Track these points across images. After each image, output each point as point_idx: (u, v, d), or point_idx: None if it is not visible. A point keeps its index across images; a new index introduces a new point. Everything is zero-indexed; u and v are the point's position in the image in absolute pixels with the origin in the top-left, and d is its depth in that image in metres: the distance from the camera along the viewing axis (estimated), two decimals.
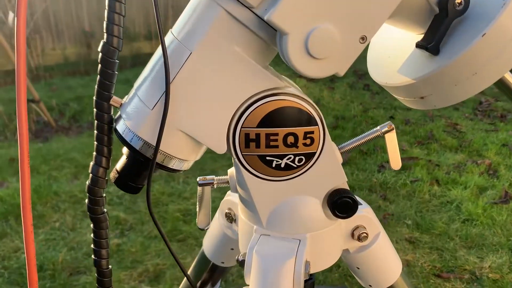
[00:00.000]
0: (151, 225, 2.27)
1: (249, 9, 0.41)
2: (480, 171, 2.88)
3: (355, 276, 0.63)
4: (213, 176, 0.57)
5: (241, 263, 0.49)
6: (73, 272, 1.93)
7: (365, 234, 0.55)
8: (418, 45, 0.46)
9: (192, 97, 0.45)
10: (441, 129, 3.58)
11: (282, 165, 0.48)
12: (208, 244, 0.70)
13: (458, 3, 0.44)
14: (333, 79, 5.18)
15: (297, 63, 0.41)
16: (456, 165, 2.98)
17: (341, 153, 0.52)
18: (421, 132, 3.56)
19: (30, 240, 0.46)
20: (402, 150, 3.19)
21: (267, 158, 0.48)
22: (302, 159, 0.48)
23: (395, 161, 0.53)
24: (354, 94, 4.60)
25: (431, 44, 0.45)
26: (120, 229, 2.23)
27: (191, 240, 2.14)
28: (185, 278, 0.75)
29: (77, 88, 4.58)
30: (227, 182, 0.55)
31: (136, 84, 0.49)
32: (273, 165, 0.48)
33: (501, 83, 0.50)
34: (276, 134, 0.46)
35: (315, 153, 0.48)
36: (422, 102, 0.48)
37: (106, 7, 0.42)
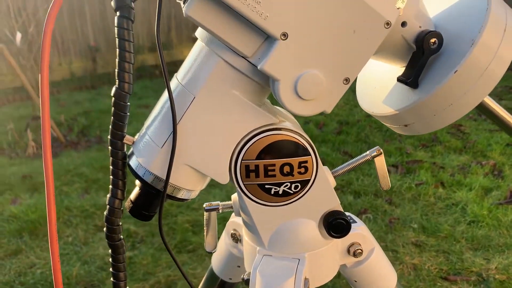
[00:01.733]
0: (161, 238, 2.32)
1: (244, 58, 0.46)
2: (485, 172, 2.89)
3: None
4: (218, 202, 0.61)
5: (246, 282, 0.54)
6: (87, 286, 1.97)
7: (360, 250, 0.60)
8: (399, 79, 0.51)
9: (196, 135, 0.50)
10: (445, 131, 3.60)
11: (280, 192, 0.53)
12: (216, 261, 0.75)
13: (432, 42, 0.48)
14: None
15: (289, 104, 0.46)
16: (460, 167, 3.00)
17: (334, 177, 0.57)
18: (425, 135, 3.58)
19: (55, 251, 0.50)
20: (406, 154, 3.21)
21: (266, 186, 0.52)
22: (298, 186, 0.53)
23: (385, 182, 0.58)
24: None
25: (410, 79, 0.50)
26: (131, 242, 2.28)
27: (201, 250, 2.18)
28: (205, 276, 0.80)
29: (84, 102, 4.66)
30: (231, 207, 0.60)
31: (146, 124, 0.54)
32: (272, 192, 0.53)
33: (481, 107, 0.55)
34: (273, 165, 0.51)
35: (309, 180, 0.53)
36: (406, 129, 0.53)
37: (117, 57, 0.47)
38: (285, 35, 0.43)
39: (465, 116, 4.25)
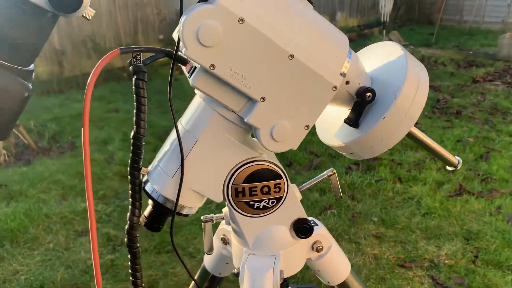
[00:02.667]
0: (140, 239, 2.42)
1: (234, 112, 0.62)
2: (438, 167, 3.15)
3: (317, 276, 0.85)
4: (212, 215, 0.78)
5: (237, 275, 0.71)
6: None
7: (321, 247, 0.77)
8: (345, 121, 0.68)
9: (198, 168, 0.66)
10: None
11: (261, 207, 0.69)
12: (208, 261, 0.92)
13: (368, 96, 0.66)
14: None
15: (266, 145, 0.62)
16: (416, 163, 3.25)
17: (301, 192, 0.74)
18: None
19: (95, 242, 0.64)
20: None
21: (251, 202, 0.68)
22: (274, 201, 0.69)
23: (338, 195, 0.76)
24: None
25: (352, 122, 0.67)
26: (112, 245, 2.37)
27: (178, 250, 2.31)
28: (192, 283, 0.96)
29: (53, 108, 4.63)
30: (223, 218, 0.77)
31: (157, 158, 0.69)
32: (255, 207, 0.69)
33: (409, 136, 0.73)
34: (256, 187, 0.67)
35: (282, 196, 0.70)
36: (352, 155, 0.71)
37: (135, 108, 0.62)
38: (263, 99, 0.59)
39: (421, 114, 4.55)
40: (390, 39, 7.66)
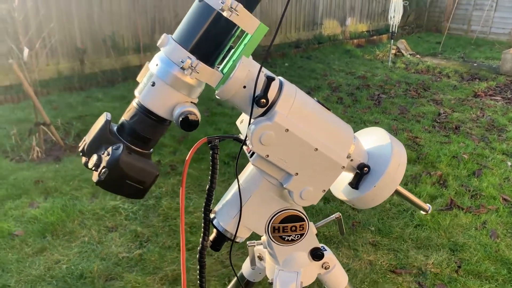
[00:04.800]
0: (164, 237, 2.72)
1: (276, 179, 0.93)
2: (432, 182, 3.43)
3: (324, 286, 1.17)
4: (255, 241, 1.10)
5: (270, 283, 1.03)
6: (107, 279, 2.37)
7: (328, 266, 1.09)
8: (349, 184, 1.00)
9: (250, 212, 0.96)
10: (403, 143, 4.10)
11: (289, 239, 1.00)
12: (245, 268, 1.24)
13: (366, 169, 0.96)
14: (309, 92, 5.72)
15: (297, 202, 0.92)
16: (413, 176, 3.53)
17: (316, 229, 1.05)
18: None
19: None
20: None
21: (283, 236, 0.99)
22: (298, 236, 1.00)
23: (342, 232, 1.08)
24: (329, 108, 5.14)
25: (354, 186, 0.98)
26: (139, 241, 2.67)
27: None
28: (235, 279, 1.27)
29: (77, 106, 4.92)
30: (262, 244, 1.08)
31: (222, 202, 1.00)
32: (285, 239, 1.00)
33: (396, 193, 1.04)
34: (287, 226, 0.98)
35: (304, 233, 1.01)
36: (354, 206, 1.02)
37: (211, 171, 0.93)
38: (297, 174, 0.90)
39: (421, 128, 4.69)
40: (397, 48, 7.91)
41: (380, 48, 8.18)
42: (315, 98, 0.93)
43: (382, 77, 6.50)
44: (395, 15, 6.69)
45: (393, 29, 6.84)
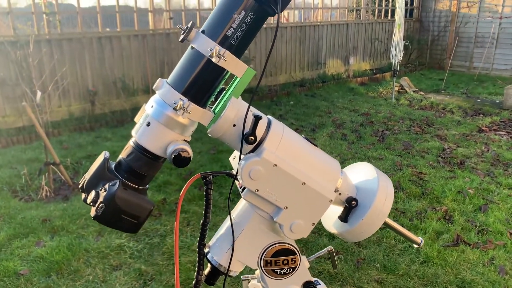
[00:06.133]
0: (168, 275, 2.72)
1: (267, 213, 0.97)
2: (438, 217, 3.41)
3: None
4: (249, 275, 1.12)
5: None
6: None
7: None
8: (339, 217, 1.03)
9: (242, 247, 0.99)
10: (407, 178, 4.13)
11: (282, 273, 1.02)
12: None
13: (354, 203, 1.00)
14: (314, 128, 5.79)
15: (287, 235, 0.96)
16: (418, 212, 3.51)
17: (309, 262, 1.07)
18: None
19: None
20: None
21: (275, 270, 1.02)
22: (291, 269, 1.03)
23: (334, 265, 1.10)
24: (333, 145, 5.17)
25: (343, 219, 1.02)
26: (143, 280, 2.67)
27: (202, 286, 2.60)
28: None
29: (86, 146, 5.03)
30: (255, 278, 1.11)
31: (216, 237, 1.03)
32: (278, 273, 1.02)
33: (386, 226, 1.06)
34: (279, 260, 1.00)
35: (296, 266, 1.03)
36: (344, 239, 1.05)
37: (205, 205, 0.98)
38: (286, 207, 0.94)
39: (426, 163, 4.69)
40: (400, 85, 8.04)
41: (383, 86, 8.31)
42: (303, 135, 0.99)
43: (386, 114, 6.57)
44: (397, 53, 6.85)
45: (396, 67, 6.98)
